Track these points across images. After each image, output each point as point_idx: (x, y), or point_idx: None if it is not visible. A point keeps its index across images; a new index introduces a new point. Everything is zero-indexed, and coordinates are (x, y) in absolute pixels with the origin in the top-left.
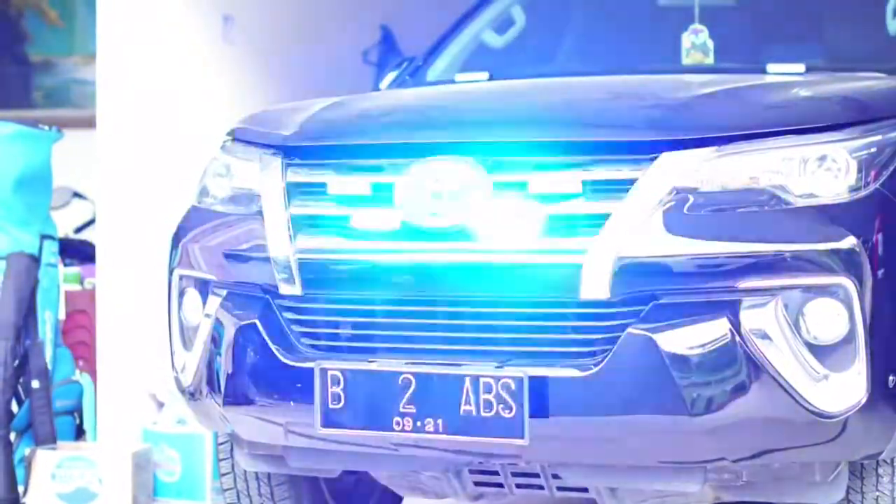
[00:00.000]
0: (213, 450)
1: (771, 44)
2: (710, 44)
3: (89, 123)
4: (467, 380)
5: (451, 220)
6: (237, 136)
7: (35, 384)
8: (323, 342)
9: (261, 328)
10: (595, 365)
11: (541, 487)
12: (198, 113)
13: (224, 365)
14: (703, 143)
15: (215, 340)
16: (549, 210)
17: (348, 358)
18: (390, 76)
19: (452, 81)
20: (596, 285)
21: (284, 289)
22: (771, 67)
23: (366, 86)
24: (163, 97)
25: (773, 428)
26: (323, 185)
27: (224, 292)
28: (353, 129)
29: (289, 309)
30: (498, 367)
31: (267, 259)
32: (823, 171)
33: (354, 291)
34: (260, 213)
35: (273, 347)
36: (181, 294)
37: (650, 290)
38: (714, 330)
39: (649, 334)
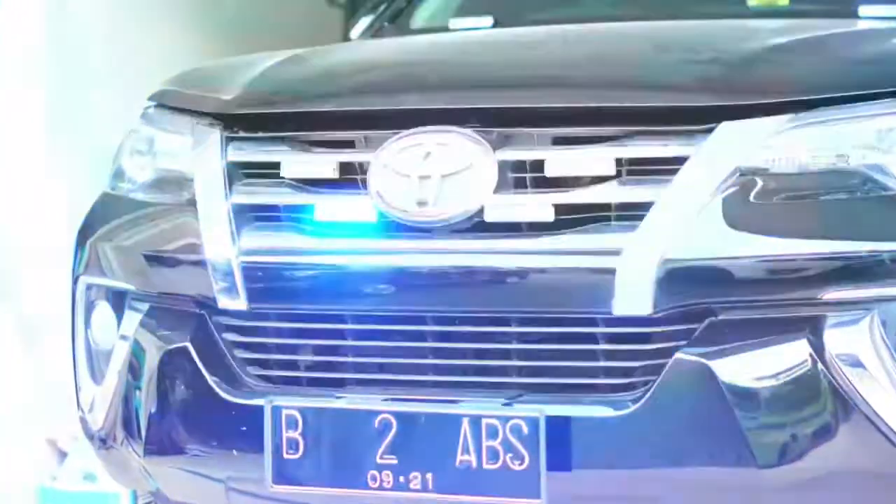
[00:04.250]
0: None
1: None
2: None
3: None
4: (465, 421)
5: (444, 211)
6: (162, 102)
7: None
8: (275, 372)
9: (193, 354)
10: (633, 402)
11: None
12: (118, 74)
13: (145, 402)
14: (774, 109)
15: (133, 370)
16: (573, 198)
17: (309, 393)
18: (364, 22)
19: (446, 29)
20: (634, 297)
21: (225, 302)
22: (864, 10)
23: (333, 35)
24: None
25: (869, 484)
26: (275, 165)
27: (145, 307)
28: (315, 91)
29: (230, 328)
30: (506, 405)
31: (202, 263)
32: None
33: (317, 305)
34: (193, 202)
35: (210, 379)
36: (89, 309)
37: (705, 302)
38: (789, 355)
39: (704, 361)
